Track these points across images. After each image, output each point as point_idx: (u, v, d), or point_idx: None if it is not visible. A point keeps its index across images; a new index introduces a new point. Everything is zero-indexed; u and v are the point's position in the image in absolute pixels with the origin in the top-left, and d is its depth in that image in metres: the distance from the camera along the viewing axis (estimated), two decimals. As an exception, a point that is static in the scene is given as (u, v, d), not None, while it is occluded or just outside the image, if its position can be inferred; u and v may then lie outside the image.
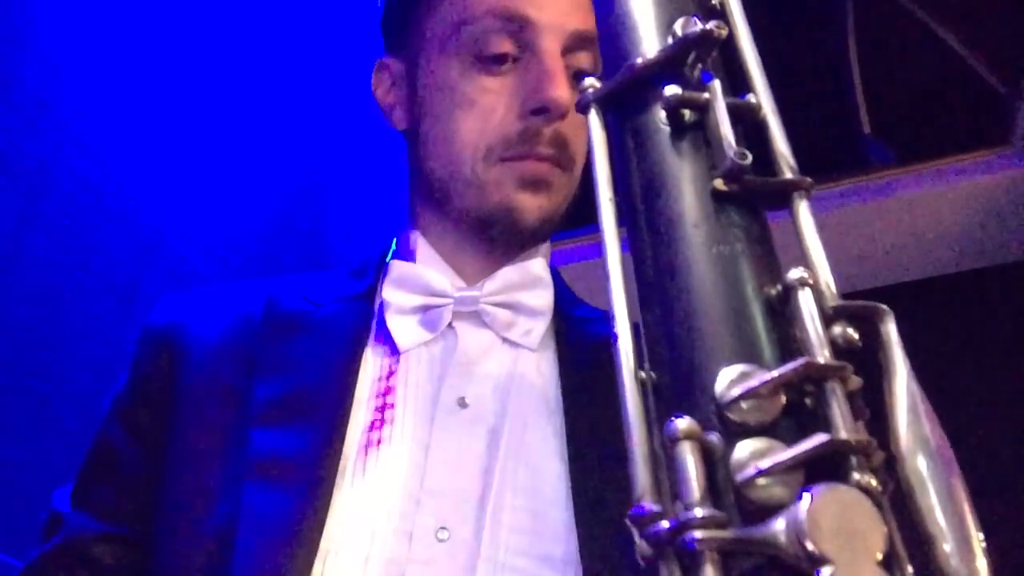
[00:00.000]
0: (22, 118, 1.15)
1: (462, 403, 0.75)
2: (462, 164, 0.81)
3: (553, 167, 0.80)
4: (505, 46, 0.80)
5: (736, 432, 0.30)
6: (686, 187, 0.35)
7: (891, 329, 0.32)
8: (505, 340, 0.80)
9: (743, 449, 0.29)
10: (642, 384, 0.33)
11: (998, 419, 1.84)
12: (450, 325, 0.80)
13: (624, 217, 0.37)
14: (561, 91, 0.78)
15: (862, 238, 2.07)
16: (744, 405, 0.30)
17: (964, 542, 0.28)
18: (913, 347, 0.32)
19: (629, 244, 0.36)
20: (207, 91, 1.53)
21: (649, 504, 0.30)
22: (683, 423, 0.30)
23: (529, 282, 0.83)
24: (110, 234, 1.33)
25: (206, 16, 1.57)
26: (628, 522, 0.30)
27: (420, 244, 0.85)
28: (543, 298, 0.83)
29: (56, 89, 1.21)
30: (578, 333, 0.84)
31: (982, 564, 0.28)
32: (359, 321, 0.81)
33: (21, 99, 1.16)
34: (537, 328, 0.81)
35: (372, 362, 0.78)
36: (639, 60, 0.38)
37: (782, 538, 0.27)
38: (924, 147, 2.12)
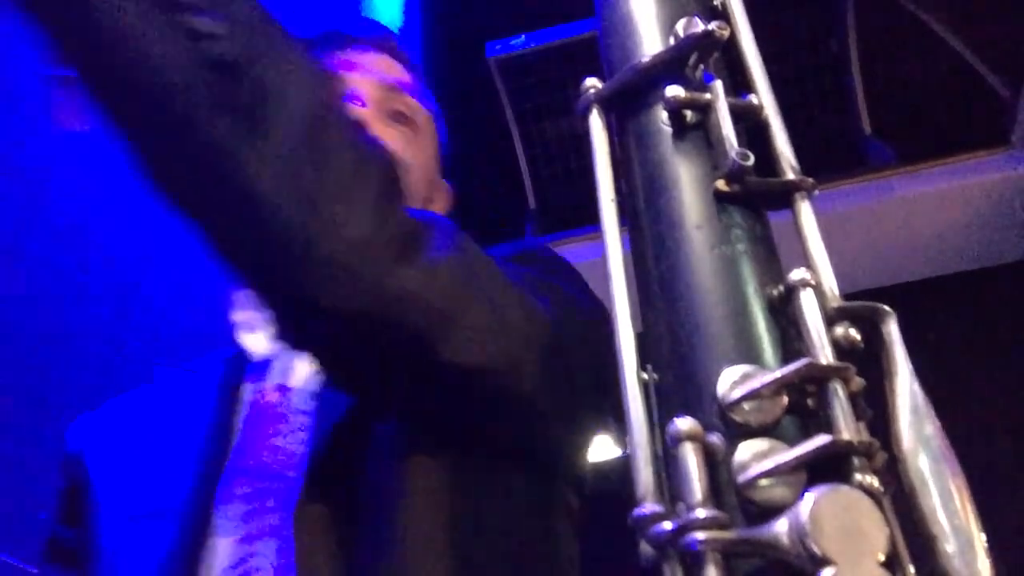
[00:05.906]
0: (23, 119, 1.15)
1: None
2: None
3: None
4: None
5: (738, 433, 0.30)
6: (688, 188, 0.35)
7: (893, 329, 0.32)
8: None
9: (745, 450, 0.29)
10: (644, 385, 0.33)
11: (999, 419, 1.84)
12: None
13: (626, 217, 0.37)
14: None
15: (862, 238, 2.07)
16: (746, 406, 0.30)
17: (966, 542, 0.28)
18: (914, 347, 0.32)
19: (631, 245, 0.36)
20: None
21: (651, 505, 0.29)
22: (685, 424, 0.29)
23: None
24: (110, 235, 1.32)
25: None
26: (630, 523, 0.30)
27: None
28: None
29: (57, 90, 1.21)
30: None
31: (984, 564, 0.28)
32: (228, 368, 0.79)
33: (22, 100, 1.16)
34: None
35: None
36: (641, 61, 0.37)
37: (784, 539, 0.27)
38: (924, 147, 2.13)
